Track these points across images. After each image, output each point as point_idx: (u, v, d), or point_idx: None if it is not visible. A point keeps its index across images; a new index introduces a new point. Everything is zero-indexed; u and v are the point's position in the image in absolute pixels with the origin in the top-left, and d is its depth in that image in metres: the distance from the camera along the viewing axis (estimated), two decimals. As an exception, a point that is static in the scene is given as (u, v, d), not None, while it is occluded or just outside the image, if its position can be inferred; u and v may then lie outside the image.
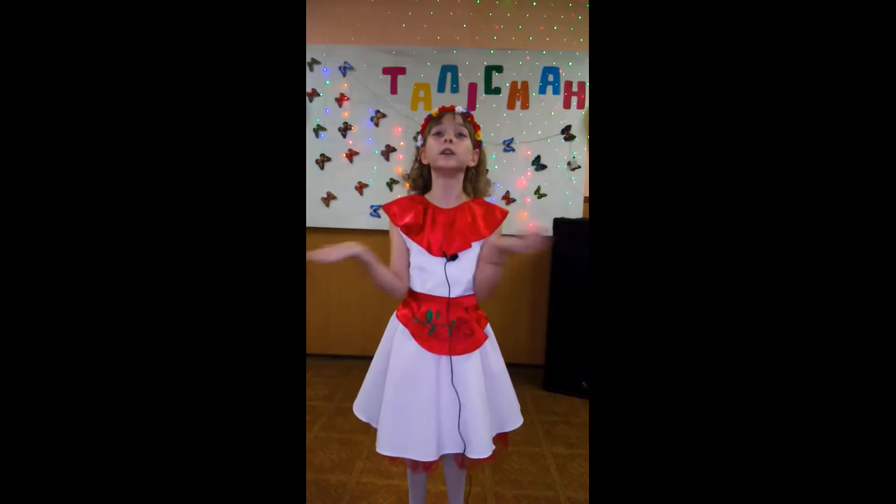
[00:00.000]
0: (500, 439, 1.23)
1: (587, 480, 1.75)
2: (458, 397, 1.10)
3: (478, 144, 1.16)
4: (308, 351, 2.87)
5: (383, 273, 1.13)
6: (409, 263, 1.17)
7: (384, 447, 1.12)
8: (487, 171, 1.22)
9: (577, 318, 2.47)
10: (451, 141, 1.10)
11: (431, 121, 1.15)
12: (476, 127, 1.16)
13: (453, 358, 1.11)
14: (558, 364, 2.55)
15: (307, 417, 2.16)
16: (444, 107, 1.15)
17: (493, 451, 1.13)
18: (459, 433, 1.11)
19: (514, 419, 1.22)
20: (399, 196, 1.22)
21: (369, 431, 1.17)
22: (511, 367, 1.26)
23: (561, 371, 2.54)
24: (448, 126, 1.11)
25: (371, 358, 1.26)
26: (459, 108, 1.14)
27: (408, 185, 1.23)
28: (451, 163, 1.10)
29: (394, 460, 1.14)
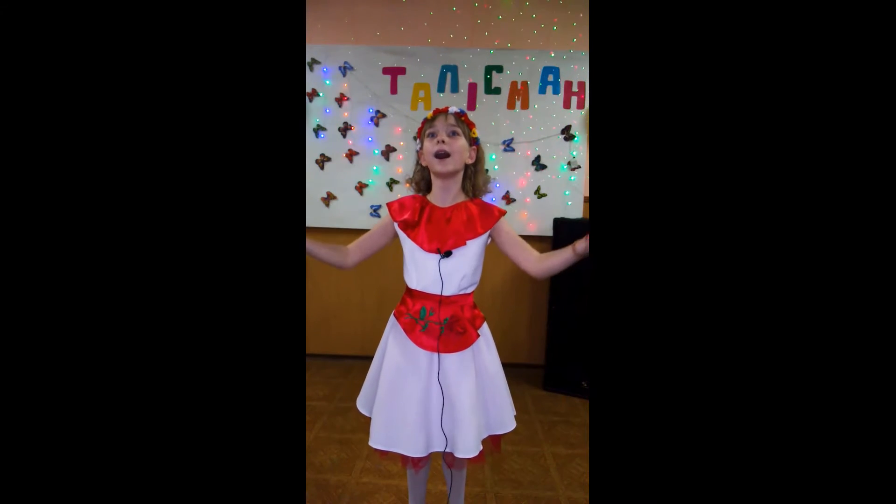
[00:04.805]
0: (493, 442, 1.23)
1: (587, 480, 1.75)
2: (443, 394, 1.11)
3: (474, 142, 1.17)
4: (308, 351, 2.87)
5: (315, 249, 1.14)
6: (376, 248, 1.22)
7: (376, 441, 1.15)
8: (487, 170, 1.22)
9: (577, 318, 2.47)
10: (443, 141, 1.11)
11: (426, 123, 1.16)
12: (470, 125, 1.17)
13: (443, 355, 1.12)
14: (558, 364, 2.55)
15: (307, 417, 2.16)
16: (437, 109, 1.16)
17: (482, 453, 1.14)
18: (443, 430, 1.12)
19: (507, 422, 1.21)
20: (401, 195, 1.23)
21: (369, 431, 1.18)
22: (511, 367, 1.26)
23: (561, 371, 2.54)
24: (441, 127, 1.13)
25: (371, 358, 1.27)
26: (453, 109, 1.15)
27: (409, 185, 1.24)
28: (447, 167, 1.12)
29: (385, 454, 1.16)
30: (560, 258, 1.07)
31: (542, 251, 1.15)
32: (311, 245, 1.14)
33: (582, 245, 1.00)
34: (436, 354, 1.13)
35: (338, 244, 1.19)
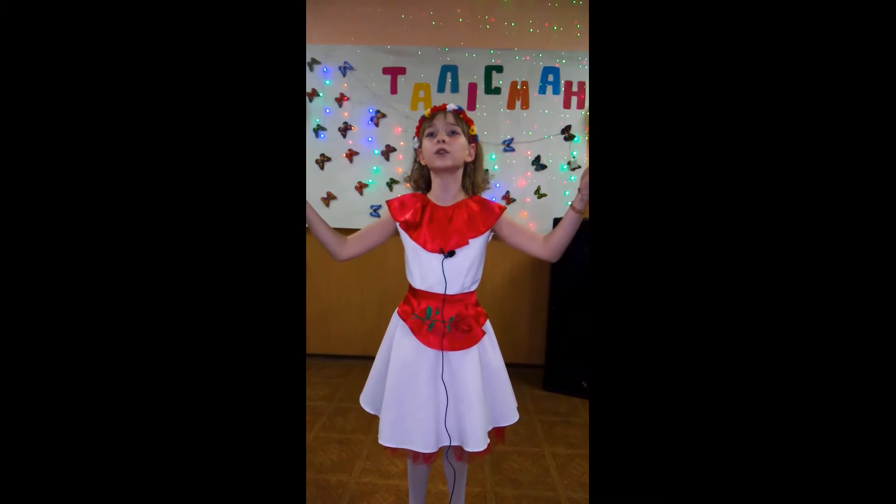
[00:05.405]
0: (497, 434, 1.24)
1: (587, 480, 1.75)
2: (447, 392, 1.13)
3: (473, 139, 1.17)
4: (308, 351, 2.87)
5: (318, 226, 1.15)
6: (374, 243, 1.22)
7: (385, 438, 1.15)
8: (487, 170, 1.23)
9: (578, 317, 2.47)
10: (443, 141, 1.11)
11: (424, 122, 1.16)
12: (469, 122, 1.16)
13: (449, 353, 1.14)
14: (558, 364, 2.55)
15: (307, 417, 2.16)
16: (435, 106, 1.15)
17: (489, 445, 1.15)
18: (445, 427, 1.13)
19: (510, 415, 1.24)
20: (401, 194, 1.23)
21: (369, 431, 1.18)
22: (511, 367, 1.27)
23: (561, 371, 2.54)
24: (440, 126, 1.12)
25: (371, 358, 1.27)
26: (451, 106, 1.15)
27: (408, 185, 1.24)
28: (446, 162, 1.12)
29: (395, 452, 1.17)
30: (564, 227, 1.08)
31: (542, 251, 1.15)
32: (315, 219, 1.14)
33: (579, 202, 1.03)
34: (442, 353, 1.13)
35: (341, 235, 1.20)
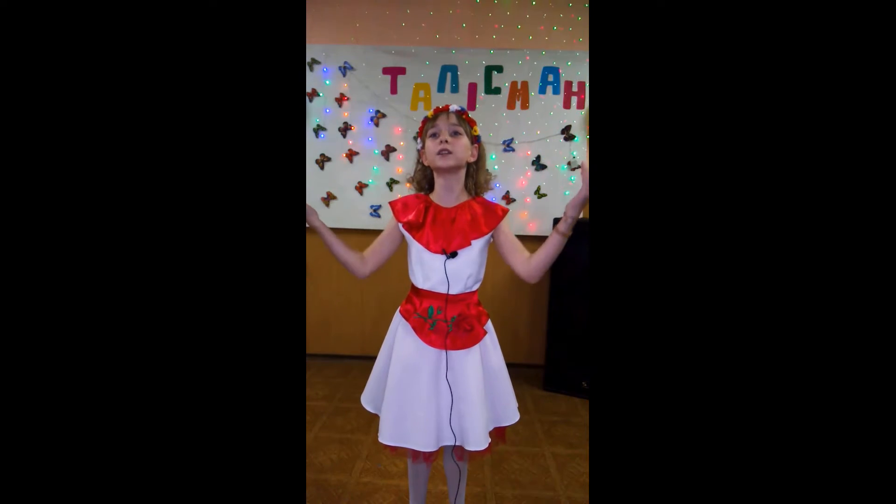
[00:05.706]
0: (498, 434, 1.25)
1: (587, 480, 1.75)
2: (451, 392, 1.13)
3: (475, 140, 1.17)
4: (308, 351, 2.87)
5: (337, 247, 1.18)
6: (388, 253, 1.23)
7: (385, 437, 1.16)
8: (489, 171, 1.23)
9: (577, 317, 2.47)
10: (446, 141, 1.11)
11: (427, 122, 1.16)
12: (472, 123, 1.17)
13: (451, 353, 1.14)
14: (558, 364, 2.55)
15: (307, 417, 2.16)
16: (438, 107, 1.16)
17: (490, 445, 1.15)
18: (451, 427, 1.14)
19: (511, 414, 1.24)
20: (401, 196, 1.24)
21: (369, 431, 1.19)
22: (511, 367, 1.27)
23: (561, 371, 2.54)
24: (443, 126, 1.13)
25: (371, 358, 1.27)
26: (454, 107, 1.15)
27: (409, 185, 1.24)
28: (449, 162, 1.12)
29: (395, 450, 1.17)
30: (547, 249, 1.09)
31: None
32: (333, 241, 1.15)
33: (564, 225, 1.04)
34: (444, 352, 1.13)
35: (355, 250, 1.21)
